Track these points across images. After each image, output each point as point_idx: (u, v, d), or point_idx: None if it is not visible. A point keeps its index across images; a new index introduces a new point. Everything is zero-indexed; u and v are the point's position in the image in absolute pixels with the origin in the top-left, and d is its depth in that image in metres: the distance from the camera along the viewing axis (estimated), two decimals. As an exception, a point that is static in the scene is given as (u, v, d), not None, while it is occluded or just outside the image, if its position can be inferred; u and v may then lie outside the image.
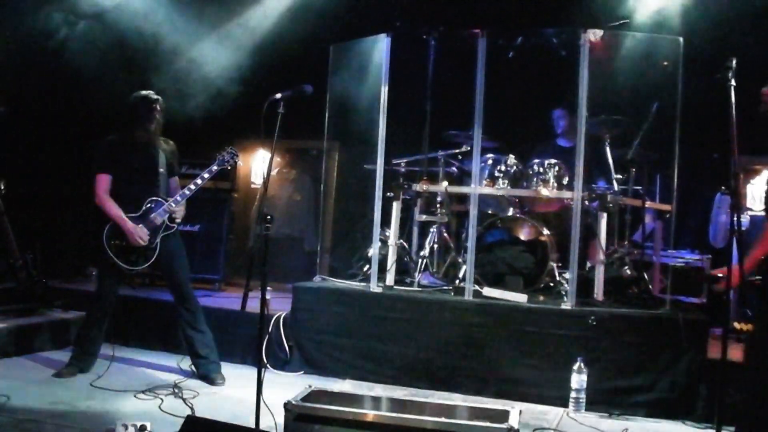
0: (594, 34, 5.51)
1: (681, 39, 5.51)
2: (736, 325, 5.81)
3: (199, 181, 5.10)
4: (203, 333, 5.20)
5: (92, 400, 4.54)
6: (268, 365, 5.46)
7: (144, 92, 5.08)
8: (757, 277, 3.70)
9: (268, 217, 3.90)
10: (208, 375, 5.16)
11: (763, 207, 6.26)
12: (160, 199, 5.08)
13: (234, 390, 5.02)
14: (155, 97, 5.07)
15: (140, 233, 4.96)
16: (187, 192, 5.09)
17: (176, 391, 4.82)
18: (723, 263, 5.92)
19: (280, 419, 3.79)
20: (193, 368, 5.28)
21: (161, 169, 5.15)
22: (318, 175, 7.29)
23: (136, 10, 6.80)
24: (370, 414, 3.70)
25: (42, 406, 4.34)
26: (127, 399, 4.63)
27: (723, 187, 3.71)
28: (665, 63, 5.67)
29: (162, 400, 4.60)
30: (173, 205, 5.07)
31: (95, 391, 4.75)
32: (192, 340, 5.19)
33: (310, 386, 4.03)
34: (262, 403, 3.73)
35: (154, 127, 5.09)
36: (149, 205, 5.05)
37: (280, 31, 7.20)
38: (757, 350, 3.75)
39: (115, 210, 4.96)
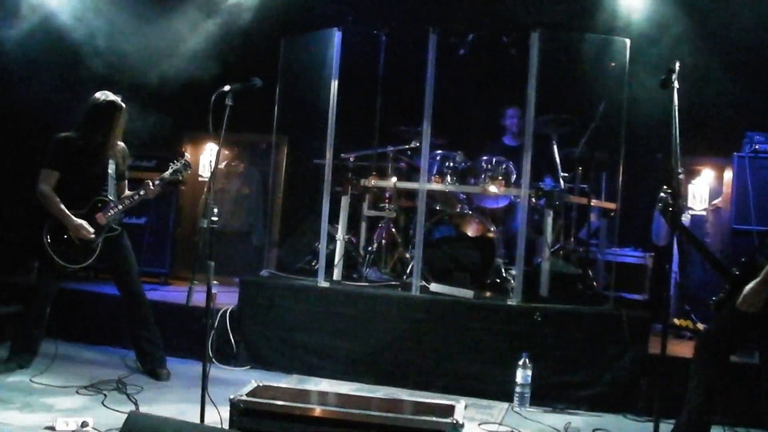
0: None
1: (628, 41, 5.61)
2: (676, 321, 5.95)
3: (151, 187, 4.99)
4: (150, 329, 5.14)
5: (32, 396, 4.43)
6: (214, 360, 5.40)
7: (110, 97, 4.92)
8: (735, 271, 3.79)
9: (215, 210, 3.87)
10: (153, 370, 5.09)
11: (704, 206, 6.46)
12: (106, 200, 4.97)
13: (179, 385, 4.96)
14: (120, 104, 4.94)
15: (84, 228, 4.85)
16: (136, 197, 5.01)
17: (120, 386, 4.74)
18: (665, 261, 6.10)
19: (226, 414, 3.76)
20: (138, 363, 5.20)
21: (110, 173, 5.04)
22: (266, 169, 7.24)
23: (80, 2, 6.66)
24: (316, 409, 3.70)
25: (-22, 403, 4.23)
26: (69, 395, 4.53)
27: (665, 187, 3.78)
28: (612, 64, 5.77)
29: (105, 396, 4.52)
30: (119, 207, 4.98)
31: (35, 388, 4.63)
32: (138, 336, 5.13)
33: (256, 381, 4.00)
34: (207, 399, 3.70)
35: (112, 134, 4.97)
36: (95, 204, 4.94)
37: (230, 23, 7.11)
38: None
39: (57, 205, 4.84)
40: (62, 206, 4.84)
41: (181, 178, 5.29)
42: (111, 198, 5.00)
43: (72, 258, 4.91)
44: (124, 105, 4.97)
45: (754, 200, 5.61)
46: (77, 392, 4.59)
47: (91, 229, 4.88)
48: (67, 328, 5.77)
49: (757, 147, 5.83)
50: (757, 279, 3.65)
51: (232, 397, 3.70)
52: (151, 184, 5.01)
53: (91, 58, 6.38)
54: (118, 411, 4.20)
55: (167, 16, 6.90)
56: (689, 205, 6.52)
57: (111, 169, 5.04)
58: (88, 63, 6.36)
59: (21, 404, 4.27)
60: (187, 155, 5.26)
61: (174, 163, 5.09)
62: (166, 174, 5.04)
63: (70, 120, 5.12)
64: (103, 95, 4.93)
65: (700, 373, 3.88)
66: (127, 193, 5.11)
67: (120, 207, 4.99)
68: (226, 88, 4.00)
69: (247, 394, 3.77)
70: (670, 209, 3.75)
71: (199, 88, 6.29)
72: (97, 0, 6.58)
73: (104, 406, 4.35)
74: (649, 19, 6.57)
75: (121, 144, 5.16)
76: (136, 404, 4.41)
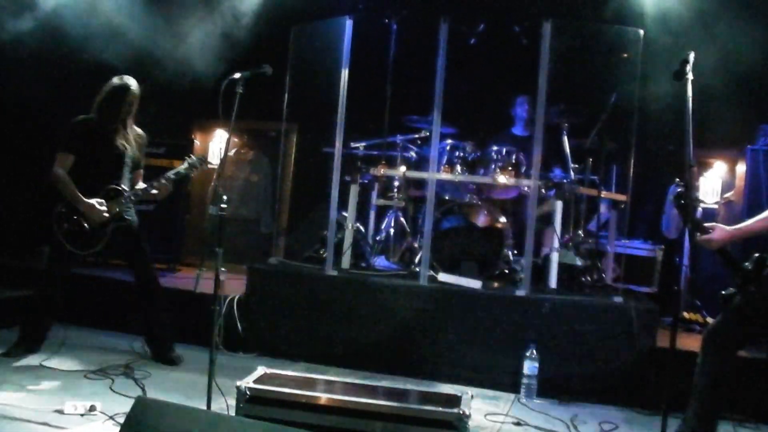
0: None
1: (641, 31, 5.57)
2: (686, 315, 5.94)
3: (163, 181, 4.94)
4: (162, 315, 5.15)
5: (41, 380, 4.45)
6: (221, 347, 5.42)
7: (119, 80, 4.90)
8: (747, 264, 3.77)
9: (224, 197, 3.87)
10: (165, 355, 5.11)
11: (716, 200, 6.43)
12: (119, 189, 4.95)
13: (186, 371, 4.97)
14: (130, 85, 4.91)
15: (97, 208, 4.81)
16: (149, 190, 4.96)
17: (128, 371, 4.76)
18: (675, 254, 6.07)
19: (232, 401, 3.77)
20: (147, 349, 5.22)
21: (127, 161, 5.01)
22: (276, 157, 7.23)
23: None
24: (322, 397, 3.70)
25: (-12, 386, 4.25)
26: (78, 379, 4.55)
27: (677, 179, 3.75)
28: (625, 54, 5.73)
29: (113, 381, 4.54)
30: (131, 198, 4.96)
31: (45, 371, 4.65)
32: (151, 322, 5.15)
33: (263, 368, 4.01)
34: (214, 385, 3.71)
35: (125, 117, 4.94)
36: (108, 193, 4.92)
37: (240, 11, 7.09)
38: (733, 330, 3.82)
39: (70, 187, 4.82)
40: (75, 189, 4.82)
41: (193, 174, 5.19)
42: (124, 187, 4.98)
43: (82, 243, 4.90)
44: (137, 88, 4.93)
45: (766, 194, 5.56)
46: (86, 376, 4.61)
47: (104, 209, 4.84)
48: (76, 313, 5.79)
49: (770, 140, 5.78)
50: None
51: (238, 384, 3.71)
52: (164, 179, 4.95)
53: (98, 46, 6.38)
54: (125, 396, 4.22)
55: (178, 4, 6.89)
56: (701, 198, 6.48)
57: (128, 155, 5.01)
58: (94, 51, 6.36)
59: (30, 387, 4.29)
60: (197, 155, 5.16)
61: (189, 157, 5.03)
62: (181, 169, 4.99)
63: (74, 105, 5.11)
64: (119, 79, 4.92)
65: (707, 366, 3.86)
66: (141, 185, 5.07)
67: (132, 198, 4.97)
68: (237, 75, 3.98)
69: (254, 382, 3.77)
70: (684, 202, 3.72)
71: (209, 75, 6.30)
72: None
73: (112, 390, 4.37)
74: (663, 9, 6.51)
75: (138, 130, 5.13)
76: (143, 389, 4.42)
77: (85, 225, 4.87)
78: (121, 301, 5.80)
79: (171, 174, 4.94)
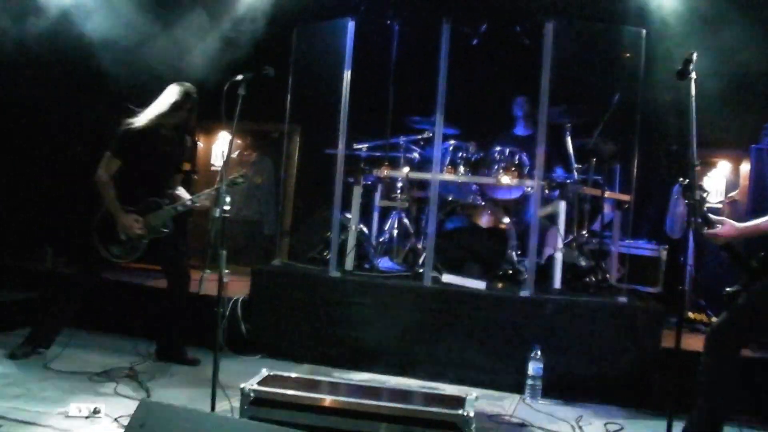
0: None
1: (644, 31, 5.56)
2: (690, 315, 5.92)
3: (204, 197, 4.91)
4: (181, 322, 5.18)
5: (46, 382, 4.45)
6: (225, 349, 5.41)
7: (181, 87, 4.87)
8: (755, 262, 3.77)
9: (227, 199, 3.86)
10: (183, 357, 5.13)
11: (721, 199, 6.41)
12: (160, 202, 4.92)
13: (190, 373, 4.97)
14: (192, 92, 4.88)
15: (135, 227, 4.81)
16: (189, 203, 4.95)
17: (132, 374, 4.76)
18: (680, 254, 6.06)
19: (237, 403, 3.76)
20: (156, 353, 5.21)
21: (172, 168, 5.02)
22: (279, 159, 7.23)
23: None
24: (326, 399, 3.69)
25: (-8, 387, 4.25)
26: (82, 381, 4.55)
27: (681, 179, 3.75)
28: (628, 54, 5.71)
29: (117, 383, 4.53)
30: (171, 212, 4.92)
31: (49, 373, 4.65)
32: (171, 327, 5.16)
33: (267, 370, 4.00)
34: (218, 387, 3.71)
35: (183, 125, 4.92)
36: (149, 205, 4.89)
37: (242, 13, 7.10)
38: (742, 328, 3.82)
39: (112, 196, 4.79)
40: (115, 198, 4.79)
41: (235, 188, 5.05)
42: (165, 201, 4.93)
43: (117, 252, 4.89)
44: (196, 95, 4.90)
45: (772, 194, 5.55)
46: (90, 379, 4.61)
47: (141, 228, 4.84)
48: (80, 315, 5.78)
49: (775, 139, 5.76)
50: None
51: (242, 386, 3.70)
52: (205, 196, 4.92)
53: (99, 49, 6.38)
54: (130, 398, 4.22)
55: (180, 7, 6.89)
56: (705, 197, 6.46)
57: (174, 163, 5.00)
58: (95, 54, 6.36)
59: (35, 389, 4.29)
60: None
61: (234, 175, 4.89)
62: (224, 185, 4.90)
63: (74, 107, 5.09)
64: (179, 85, 4.89)
65: (710, 366, 3.85)
66: (183, 198, 5.03)
67: (172, 212, 4.93)
68: (239, 77, 3.98)
69: (258, 383, 3.77)
70: (688, 201, 3.72)
71: (211, 77, 6.29)
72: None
73: (117, 393, 4.37)
74: (666, 9, 6.50)
75: (186, 137, 5.11)
76: (147, 392, 4.42)
77: (122, 236, 4.85)
78: (126, 304, 5.81)
79: (212, 191, 4.84)
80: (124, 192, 4.85)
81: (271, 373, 3.98)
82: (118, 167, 4.86)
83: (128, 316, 5.77)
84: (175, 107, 4.86)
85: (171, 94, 4.88)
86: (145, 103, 4.96)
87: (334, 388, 3.99)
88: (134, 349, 5.37)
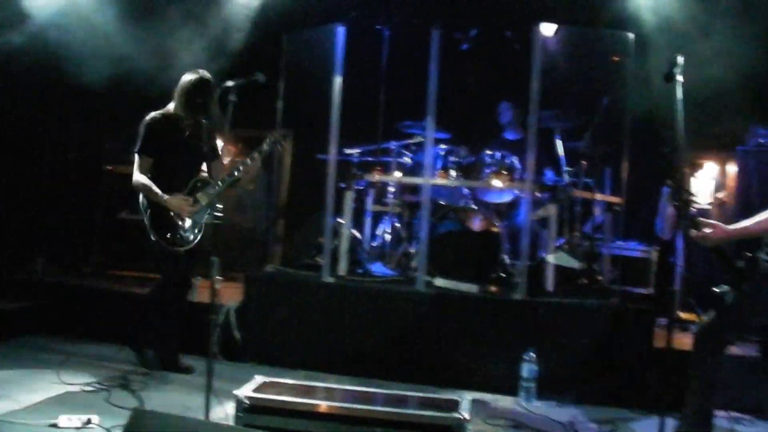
0: (547, 29, 5.56)
1: (632, 35, 5.59)
2: (681, 314, 5.95)
3: (248, 162, 4.77)
4: (176, 328, 5.14)
5: (35, 394, 4.40)
6: (218, 356, 5.41)
7: (197, 74, 4.81)
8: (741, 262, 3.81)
9: (219, 206, 3.87)
10: (179, 364, 5.10)
11: (709, 201, 6.44)
12: (205, 179, 4.85)
13: (184, 382, 4.95)
14: (209, 78, 4.79)
15: (186, 203, 4.72)
16: (236, 173, 4.75)
17: (125, 383, 4.73)
18: (670, 255, 6.08)
19: (231, 411, 3.76)
20: (156, 362, 5.15)
21: (206, 152, 4.92)
22: (271, 165, 7.23)
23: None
24: (321, 405, 3.70)
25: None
26: (74, 392, 4.52)
27: (669, 180, 3.78)
28: (616, 58, 5.75)
29: (110, 393, 4.51)
30: (218, 186, 4.78)
31: (39, 385, 4.60)
32: (172, 334, 5.11)
33: (261, 377, 4.00)
34: (212, 395, 3.70)
35: (203, 110, 4.83)
36: (195, 185, 4.82)
37: (233, 18, 7.10)
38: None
39: (155, 193, 4.69)
40: (158, 193, 4.69)
41: (280, 148, 5.01)
42: (208, 179, 4.86)
43: (183, 237, 4.77)
44: (213, 80, 4.81)
45: (757, 194, 5.59)
46: (81, 389, 4.58)
47: (192, 204, 4.74)
48: (70, 325, 5.78)
49: (761, 141, 5.80)
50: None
51: (237, 393, 3.70)
52: (249, 159, 4.77)
53: (86, 56, 6.36)
54: (122, 407, 4.19)
55: (170, 13, 6.89)
56: (693, 198, 6.49)
57: (205, 147, 4.90)
58: (83, 61, 6.35)
59: (24, 401, 4.25)
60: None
61: (271, 135, 4.87)
62: (264, 146, 4.81)
63: (63, 118, 5.05)
64: (194, 73, 4.83)
65: (700, 364, 3.89)
66: (227, 169, 4.92)
67: (220, 184, 4.78)
68: (230, 83, 3.99)
69: (253, 391, 3.77)
70: (676, 203, 3.75)
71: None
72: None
73: (109, 403, 4.33)
74: (654, 13, 6.54)
75: (205, 123, 4.97)
76: (140, 401, 4.40)
77: (181, 221, 4.77)
78: (116, 312, 5.78)
79: (254, 154, 4.78)
80: (165, 185, 4.74)
81: (266, 380, 3.98)
82: (150, 165, 4.79)
83: (119, 324, 5.72)
84: (189, 96, 4.80)
85: (183, 83, 4.83)
86: (132, 116, 4.95)
87: (328, 393, 3.99)
88: (127, 358, 5.35)
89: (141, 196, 4.78)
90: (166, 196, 4.71)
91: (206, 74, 4.87)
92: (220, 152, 5.07)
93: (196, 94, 4.80)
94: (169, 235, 4.75)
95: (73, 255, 7.00)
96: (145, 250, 4.92)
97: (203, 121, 4.94)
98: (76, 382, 4.69)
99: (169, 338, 5.14)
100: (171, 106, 4.87)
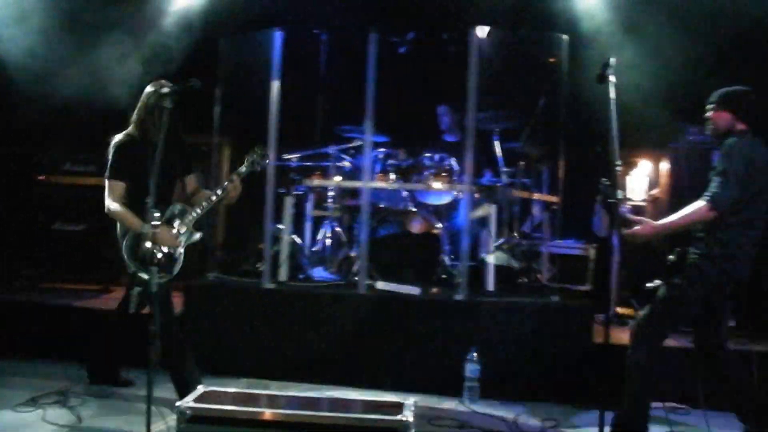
0: (482, 31, 5.62)
1: (566, 37, 5.69)
2: (619, 310, 6.08)
3: (227, 184, 4.53)
4: (115, 340, 5.00)
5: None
6: (160, 367, 5.29)
7: (157, 86, 4.37)
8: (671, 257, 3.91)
9: (156, 214, 3.79)
10: (119, 377, 4.99)
11: (643, 197, 6.60)
12: (184, 206, 4.56)
13: (123, 395, 4.85)
14: (170, 90, 4.20)
15: (170, 237, 4.42)
16: (214, 198, 4.53)
17: (61, 399, 4.59)
18: (607, 251, 6.21)
19: (173, 422, 3.69)
20: (92, 374, 5.02)
21: (178, 170, 4.62)
22: (208, 171, 7.13)
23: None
24: (265, 412, 3.66)
25: None
26: (4, 412, 4.34)
27: (602, 179, 3.87)
28: (552, 60, 5.85)
29: (44, 411, 4.36)
30: (197, 212, 4.52)
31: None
32: (113, 345, 4.96)
33: (203, 387, 3.94)
34: (153, 408, 3.63)
35: (166, 123, 4.19)
36: (173, 211, 4.51)
37: (167, 25, 7.00)
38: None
39: (131, 220, 4.34)
40: (135, 219, 4.33)
41: (259, 169, 4.76)
42: (185, 205, 4.57)
43: (161, 269, 4.37)
44: (170, 88, 4.24)
45: (689, 190, 5.74)
46: (14, 409, 4.40)
47: (175, 236, 4.45)
48: (2, 342, 5.58)
49: (691, 138, 5.98)
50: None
51: (178, 404, 3.64)
52: (227, 182, 4.54)
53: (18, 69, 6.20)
54: (59, 425, 4.07)
55: (101, 20, 6.76)
56: (628, 195, 6.64)
57: (178, 165, 4.59)
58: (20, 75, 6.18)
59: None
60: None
61: (250, 155, 4.64)
62: (242, 169, 4.59)
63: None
64: (156, 85, 4.43)
65: (636, 357, 4.00)
66: (205, 193, 4.66)
67: (198, 211, 4.53)
68: (164, 90, 3.92)
69: (194, 401, 3.70)
70: (610, 200, 3.83)
71: (138, 90, 6.18)
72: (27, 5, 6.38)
73: (45, 421, 4.20)
74: (588, 16, 6.67)
75: (180, 137, 4.65)
76: (79, 417, 4.29)
77: (161, 251, 4.43)
78: (51, 327, 5.62)
79: (233, 176, 4.56)
80: (138, 211, 4.33)
81: (208, 390, 3.91)
82: (123, 189, 4.46)
83: (54, 339, 5.57)
84: (149, 109, 4.45)
85: (143, 97, 4.52)
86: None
87: (272, 401, 3.95)
88: (63, 374, 5.19)
89: (118, 226, 4.50)
90: (152, 230, 4.11)
91: (162, 84, 4.40)
92: (193, 168, 4.78)
93: (153, 108, 4.42)
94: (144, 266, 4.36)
95: (3, 268, 6.78)
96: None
97: (172, 134, 4.57)
98: (6, 401, 4.51)
99: (112, 352, 5.02)
100: (135, 124, 4.54)
